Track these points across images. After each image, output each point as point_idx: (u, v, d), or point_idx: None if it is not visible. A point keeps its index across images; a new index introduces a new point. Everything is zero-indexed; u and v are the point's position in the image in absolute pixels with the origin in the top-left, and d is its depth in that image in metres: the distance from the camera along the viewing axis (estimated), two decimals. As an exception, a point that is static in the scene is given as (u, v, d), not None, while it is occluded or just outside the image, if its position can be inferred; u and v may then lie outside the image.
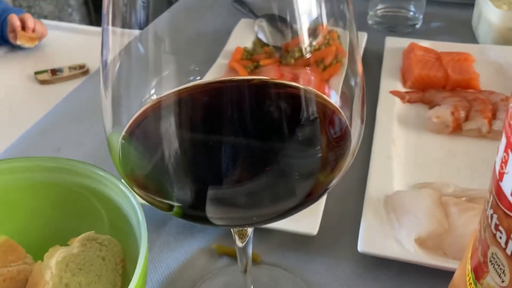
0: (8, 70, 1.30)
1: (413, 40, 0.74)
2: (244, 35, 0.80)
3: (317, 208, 0.46)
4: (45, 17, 2.42)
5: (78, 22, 2.39)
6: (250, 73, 0.71)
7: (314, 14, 0.25)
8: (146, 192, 0.26)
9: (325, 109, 0.27)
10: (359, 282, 0.42)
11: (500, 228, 0.26)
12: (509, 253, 0.25)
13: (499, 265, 0.27)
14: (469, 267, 0.31)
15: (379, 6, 0.85)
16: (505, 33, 0.74)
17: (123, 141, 0.26)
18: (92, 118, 0.65)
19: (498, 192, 0.25)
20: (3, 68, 1.30)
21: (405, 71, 0.67)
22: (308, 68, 0.28)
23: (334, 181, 0.26)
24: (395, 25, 0.85)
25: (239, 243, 0.32)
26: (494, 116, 0.58)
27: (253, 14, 0.89)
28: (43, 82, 1.28)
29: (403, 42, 0.74)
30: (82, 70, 1.32)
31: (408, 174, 0.51)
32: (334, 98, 0.27)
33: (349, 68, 0.26)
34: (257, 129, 0.25)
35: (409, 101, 0.63)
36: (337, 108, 0.27)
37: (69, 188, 0.39)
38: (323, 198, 0.47)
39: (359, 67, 0.27)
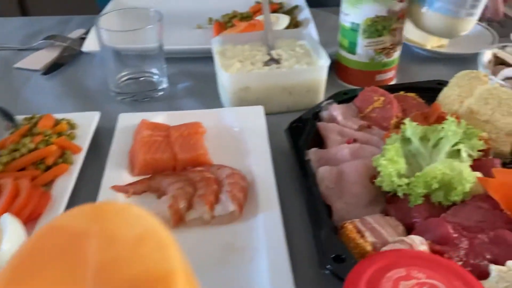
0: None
1: (151, 113, 0.69)
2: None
3: None
4: None
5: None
6: None
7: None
8: None
9: None
10: None
11: None
12: None
13: None
14: None
15: (119, 75, 0.79)
16: (237, 94, 0.72)
17: None
18: None
19: None
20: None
21: (133, 156, 0.61)
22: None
23: None
24: (141, 93, 0.79)
25: None
26: (217, 198, 0.54)
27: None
28: None
29: (137, 118, 0.68)
30: None
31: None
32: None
33: None
34: None
35: (135, 193, 0.57)
36: None
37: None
38: None
39: None
